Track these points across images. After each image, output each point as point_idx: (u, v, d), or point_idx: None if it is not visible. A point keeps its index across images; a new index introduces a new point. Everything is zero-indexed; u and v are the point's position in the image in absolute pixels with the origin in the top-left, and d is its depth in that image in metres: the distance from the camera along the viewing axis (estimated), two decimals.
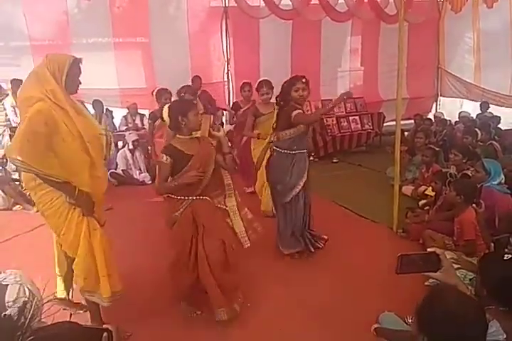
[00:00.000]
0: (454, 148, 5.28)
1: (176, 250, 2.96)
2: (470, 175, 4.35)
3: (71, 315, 2.73)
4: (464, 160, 4.90)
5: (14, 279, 1.61)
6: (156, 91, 5.12)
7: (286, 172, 3.68)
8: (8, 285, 1.57)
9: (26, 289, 1.59)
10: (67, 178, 2.55)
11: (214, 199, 3.08)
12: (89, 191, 2.62)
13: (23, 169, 2.48)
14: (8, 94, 6.82)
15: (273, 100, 4.61)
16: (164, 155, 2.86)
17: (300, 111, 3.57)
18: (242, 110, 5.63)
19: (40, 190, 2.60)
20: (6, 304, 1.51)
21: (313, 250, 3.97)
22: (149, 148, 6.26)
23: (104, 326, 1.44)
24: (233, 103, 6.51)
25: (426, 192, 5.19)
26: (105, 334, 1.37)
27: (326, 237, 4.06)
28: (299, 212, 3.82)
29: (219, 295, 2.87)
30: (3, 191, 5.53)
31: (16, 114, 6.70)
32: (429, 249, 1.77)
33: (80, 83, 2.67)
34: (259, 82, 5.00)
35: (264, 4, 7.54)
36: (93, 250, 2.67)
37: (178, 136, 2.94)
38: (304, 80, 3.58)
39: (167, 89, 5.08)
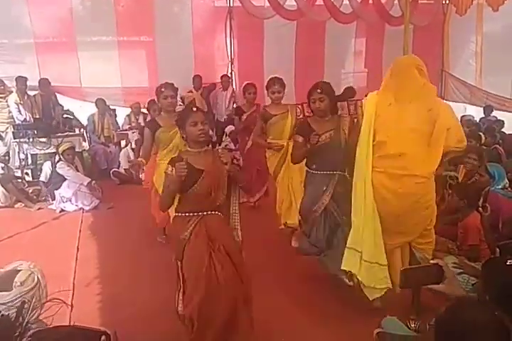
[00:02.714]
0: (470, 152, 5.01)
1: (194, 281, 2.42)
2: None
3: (70, 316, 2.70)
4: (479, 165, 4.72)
5: (28, 266, 1.82)
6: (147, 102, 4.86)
7: None
8: (21, 270, 1.78)
9: (36, 277, 1.78)
10: None
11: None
12: None
13: None
14: (12, 92, 6.80)
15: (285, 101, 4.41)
16: (170, 166, 2.47)
17: None
18: (246, 114, 5.11)
19: None
20: (13, 284, 1.71)
21: None
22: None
23: (102, 329, 1.46)
24: (236, 108, 6.15)
25: None
26: (103, 337, 1.40)
27: None
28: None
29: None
30: (5, 189, 5.52)
31: (19, 111, 6.68)
32: (431, 261, 1.75)
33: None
34: (270, 79, 4.38)
35: (268, 4, 7.54)
36: None
37: (187, 148, 2.62)
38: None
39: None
